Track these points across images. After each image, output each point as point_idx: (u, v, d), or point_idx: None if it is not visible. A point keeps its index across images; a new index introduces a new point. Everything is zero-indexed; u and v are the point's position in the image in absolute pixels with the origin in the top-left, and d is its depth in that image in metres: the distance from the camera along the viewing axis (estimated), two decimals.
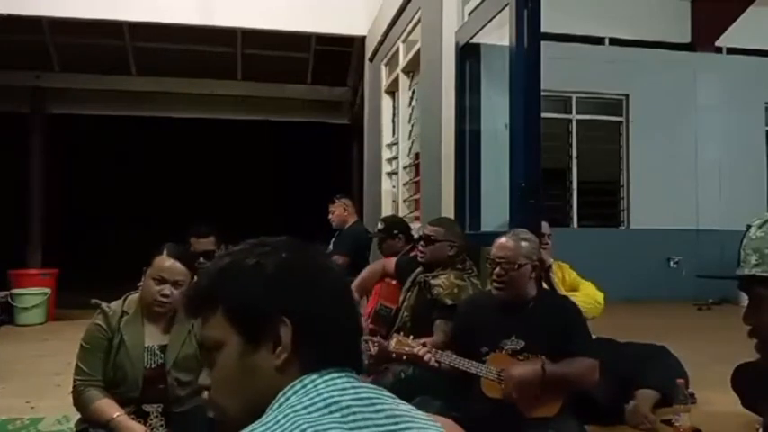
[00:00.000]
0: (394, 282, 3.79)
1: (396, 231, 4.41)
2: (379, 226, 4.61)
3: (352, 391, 0.87)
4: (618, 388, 3.06)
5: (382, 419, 0.85)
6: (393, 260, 3.97)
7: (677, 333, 4.86)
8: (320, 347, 0.91)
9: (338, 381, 0.88)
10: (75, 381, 2.38)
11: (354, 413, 0.83)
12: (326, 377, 0.88)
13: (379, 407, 0.86)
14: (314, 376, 0.88)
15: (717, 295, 7.77)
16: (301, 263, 0.97)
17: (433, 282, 3.20)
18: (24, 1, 7.05)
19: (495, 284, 2.64)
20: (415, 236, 4.60)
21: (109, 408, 2.29)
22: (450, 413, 2.48)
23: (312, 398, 0.85)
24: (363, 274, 3.95)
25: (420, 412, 0.92)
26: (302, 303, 0.92)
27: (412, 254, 3.63)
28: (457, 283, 3.17)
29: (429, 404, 2.54)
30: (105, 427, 2.27)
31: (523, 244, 2.64)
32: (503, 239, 2.68)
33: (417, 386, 2.79)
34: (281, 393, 0.87)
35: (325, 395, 0.85)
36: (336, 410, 0.83)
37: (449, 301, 3.10)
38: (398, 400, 0.91)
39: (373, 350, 3.02)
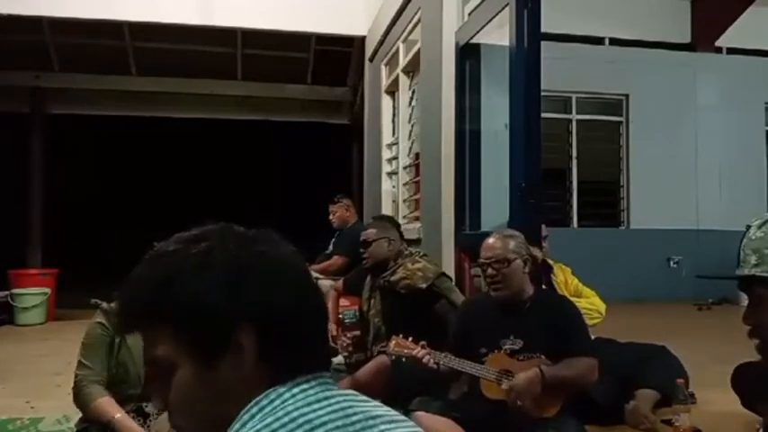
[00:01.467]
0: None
1: None
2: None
3: (325, 403, 0.77)
4: (618, 388, 3.06)
5: (359, 430, 0.76)
6: (341, 282, 4.19)
7: (677, 333, 4.86)
8: (289, 352, 0.80)
9: (310, 392, 0.78)
10: (76, 376, 2.37)
11: (328, 430, 0.74)
12: (295, 389, 0.78)
13: (354, 418, 0.76)
14: (281, 390, 0.77)
15: (717, 295, 7.77)
16: (253, 255, 0.83)
17: (393, 278, 3.27)
18: (24, 1, 7.04)
19: (491, 286, 2.64)
20: (414, 236, 4.65)
21: (109, 407, 2.29)
22: (450, 413, 2.48)
23: (280, 417, 0.74)
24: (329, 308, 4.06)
25: (394, 413, 0.82)
26: (262, 304, 0.80)
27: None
28: (416, 267, 3.28)
29: (429, 404, 2.54)
30: (106, 428, 2.27)
31: (509, 240, 2.65)
32: (489, 240, 2.68)
33: (416, 374, 2.80)
34: (244, 410, 0.76)
35: (295, 414, 0.75)
36: (309, 431, 0.74)
37: (423, 284, 3.18)
38: (374, 403, 0.81)
39: (348, 339, 3.05)
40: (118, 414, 2.27)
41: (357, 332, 3.59)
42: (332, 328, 3.87)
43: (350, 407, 0.78)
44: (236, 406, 0.78)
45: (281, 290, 0.82)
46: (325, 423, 0.75)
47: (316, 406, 0.76)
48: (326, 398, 0.78)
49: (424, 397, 2.63)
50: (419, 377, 2.76)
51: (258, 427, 0.74)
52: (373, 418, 0.78)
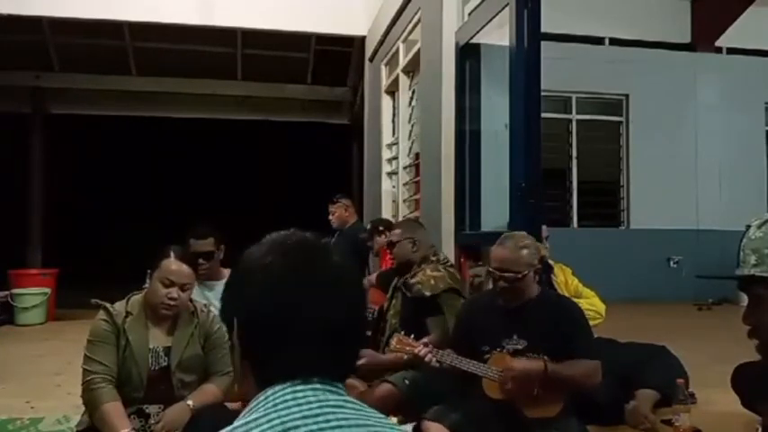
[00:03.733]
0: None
1: (381, 228, 4.63)
2: (368, 227, 4.89)
3: (305, 407, 0.80)
4: (618, 388, 3.06)
5: None
6: (375, 275, 4.19)
7: (677, 333, 4.86)
8: (275, 352, 0.84)
9: (299, 395, 0.81)
10: (86, 373, 2.32)
11: (297, 428, 0.77)
12: (287, 390, 0.82)
13: (332, 423, 0.79)
14: (272, 390, 0.82)
15: (717, 295, 7.77)
16: (259, 259, 0.89)
17: (411, 281, 3.23)
18: (24, 1, 7.05)
19: (501, 296, 2.58)
20: None
21: (116, 419, 2.23)
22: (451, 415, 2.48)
23: (259, 416, 0.79)
24: None
25: (385, 423, 0.84)
26: (246, 303, 0.87)
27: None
28: (433, 275, 3.22)
29: (446, 415, 2.52)
30: None
31: (524, 252, 2.54)
32: (502, 250, 2.55)
33: (424, 390, 2.80)
34: (251, 402, 0.84)
35: (272, 413, 0.79)
36: (280, 428, 0.77)
37: (428, 293, 3.13)
38: (370, 413, 0.84)
39: (363, 361, 3.02)
40: (124, 430, 2.20)
41: (368, 333, 3.55)
42: None
43: (331, 413, 0.80)
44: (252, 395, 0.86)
45: (265, 294, 0.86)
46: (297, 426, 0.78)
47: (294, 408, 0.80)
48: (311, 401, 0.81)
49: (441, 407, 2.57)
50: (436, 393, 2.75)
51: (240, 423, 0.80)
52: (358, 426, 0.80)
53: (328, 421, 0.79)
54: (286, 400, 0.80)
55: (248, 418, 0.80)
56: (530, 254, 2.56)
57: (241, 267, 0.91)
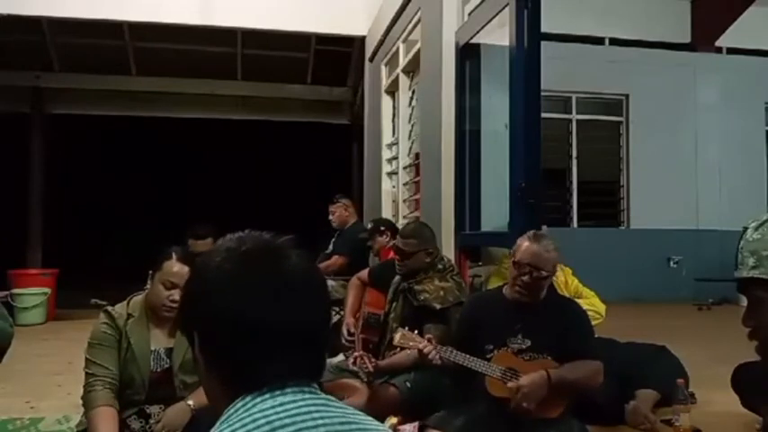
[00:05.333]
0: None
1: (382, 228, 4.60)
2: (368, 227, 4.86)
3: (291, 406, 0.80)
4: (618, 388, 3.06)
5: None
6: (365, 271, 4.08)
7: (677, 333, 4.86)
8: (246, 361, 0.83)
9: (279, 398, 0.81)
10: (87, 377, 2.31)
11: (285, 427, 0.78)
12: (266, 395, 0.82)
13: (319, 422, 0.80)
14: (251, 396, 0.82)
15: (717, 295, 7.78)
16: (215, 268, 0.87)
17: (417, 288, 3.18)
18: (24, 1, 7.04)
19: (518, 289, 2.59)
20: None
21: (102, 424, 2.20)
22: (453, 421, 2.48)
23: (244, 419, 0.79)
24: (349, 299, 3.96)
25: (369, 421, 0.85)
26: (206, 316, 0.85)
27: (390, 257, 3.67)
28: (442, 285, 3.17)
29: (448, 423, 2.52)
30: None
31: (554, 255, 2.60)
32: (537, 247, 2.57)
33: (426, 392, 2.80)
34: (225, 411, 0.83)
35: (258, 415, 0.79)
36: (267, 427, 0.78)
37: (438, 306, 3.08)
38: (350, 411, 0.85)
39: (371, 366, 3.02)
40: None
41: (376, 338, 3.52)
42: (349, 322, 3.82)
43: (317, 411, 0.81)
44: (217, 400, 0.86)
45: (227, 303, 0.83)
46: (285, 425, 0.78)
47: (279, 409, 0.80)
48: (294, 402, 0.81)
49: (443, 413, 2.58)
50: (437, 396, 2.75)
51: (231, 419, 0.80)
52: (341, 424, 0.81)
53: (314, 419, 0.79)
54: (266, 406, 0.80)
55: (230, 422, 0.80)
56: (556, 258, 2.63)
57: (196, 279, 0.90)
